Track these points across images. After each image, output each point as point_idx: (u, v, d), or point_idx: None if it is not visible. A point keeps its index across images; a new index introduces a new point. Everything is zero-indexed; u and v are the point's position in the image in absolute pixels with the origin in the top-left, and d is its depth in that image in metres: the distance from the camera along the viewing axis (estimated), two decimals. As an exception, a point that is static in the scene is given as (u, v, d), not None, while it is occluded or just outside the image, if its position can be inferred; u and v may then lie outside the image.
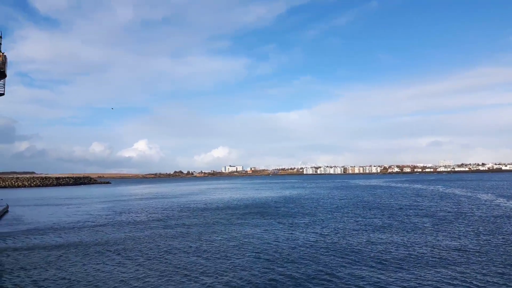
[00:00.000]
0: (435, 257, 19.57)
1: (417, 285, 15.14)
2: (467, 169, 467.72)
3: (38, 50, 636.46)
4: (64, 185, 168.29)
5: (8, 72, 44.23)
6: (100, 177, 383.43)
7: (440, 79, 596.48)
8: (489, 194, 64.44)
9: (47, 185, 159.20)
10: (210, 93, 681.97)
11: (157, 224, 34.26)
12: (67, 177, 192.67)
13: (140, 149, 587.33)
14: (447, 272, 16.83)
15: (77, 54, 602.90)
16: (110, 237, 27.79)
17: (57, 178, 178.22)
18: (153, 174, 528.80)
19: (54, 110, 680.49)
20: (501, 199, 53.97)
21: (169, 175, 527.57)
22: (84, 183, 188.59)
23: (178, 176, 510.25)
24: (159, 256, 21.10)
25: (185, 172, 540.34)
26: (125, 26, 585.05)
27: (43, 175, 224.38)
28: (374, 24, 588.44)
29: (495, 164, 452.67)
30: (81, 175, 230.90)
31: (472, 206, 44.65)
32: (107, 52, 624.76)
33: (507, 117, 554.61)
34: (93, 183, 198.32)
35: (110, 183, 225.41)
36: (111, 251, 22.67)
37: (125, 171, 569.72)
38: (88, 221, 37.22)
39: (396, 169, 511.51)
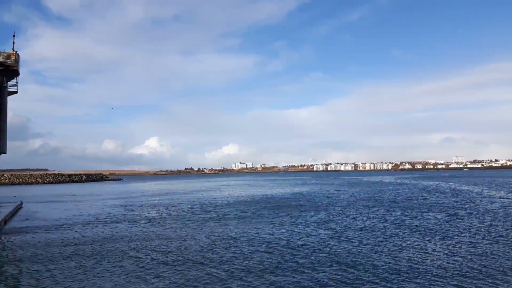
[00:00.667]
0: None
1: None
2: (479, 165, 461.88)
3: (51, 49, 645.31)
4: (76, 182, 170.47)
5: (21, 70, 44.85)
6: (112, 174, 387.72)
7: (453, 75, 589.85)
8: (500, 191, 63.60)
9: (59, 182, 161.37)
10: (220, 91, 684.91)
11: (170, 220, 34.54)
12: (80, 174, 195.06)
13: (152, 146, 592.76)
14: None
15: (89, 52, 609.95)
16: (124, 232, 28.10)
17: (70, 175, 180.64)
18: (164, 171, 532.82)
19: (67, 108, 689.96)
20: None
21: (179, 172, 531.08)
22: (96, 180, 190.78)
23: (188, 173, 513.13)
24: (173, 252, 21.27)
25: (195, 169, 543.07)
26: (136, 24, 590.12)
27: (56, 172, 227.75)
28: (385, 20, 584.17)
29: (509, 161, 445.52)
30: (93, 172, 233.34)
31: (481, 201, 44.15)
32: (119, 50, 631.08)
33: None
34: (105, 180, 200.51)
35: (122, 179, 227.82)
36: (126, 246, 22.93)
37: (136, 168, 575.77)
38: (102, 217, 37.69)
39: (408, 166, 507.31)
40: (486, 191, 65.39)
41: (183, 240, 24.69)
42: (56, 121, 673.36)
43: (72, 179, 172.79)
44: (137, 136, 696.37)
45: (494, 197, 52.15)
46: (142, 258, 19.89)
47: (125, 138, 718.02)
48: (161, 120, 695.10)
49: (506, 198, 50.24)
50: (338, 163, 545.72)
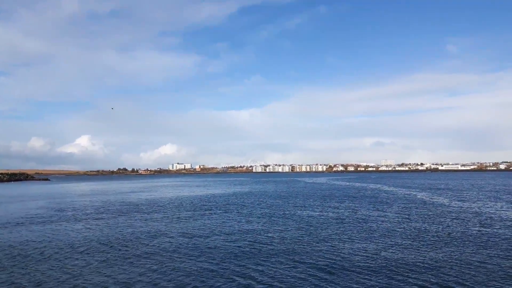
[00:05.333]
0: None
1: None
2: (407, 168, 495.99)
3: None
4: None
5: None
6: (38, 173, 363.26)
7: (384, 84, 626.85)
8: (408, 189, 70.63)
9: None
10: (159, 90, 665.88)
11: (96, 223, 34.64)
12: (1, 173, 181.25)
13: (83, 145, 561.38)
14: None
15: (17, 44, 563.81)
16: (46, 236, 27.97)
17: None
18: (95, 171, 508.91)
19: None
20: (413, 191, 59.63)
21: (112, 172, 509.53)
22: (20, 180, 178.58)
23: (122, 174, 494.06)
24: (93, 253, 21.97)
25: (129, 169, 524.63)
26: (70, 18, 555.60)
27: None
28: (322, 28, 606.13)
29: (433, 164, 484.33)
30: (17, 171, 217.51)
31: (388, 196, 49.33)
32: (50, 44, 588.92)
33: (445, 120, 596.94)
34: (30, 180, 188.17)
35: (49, 180, 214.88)
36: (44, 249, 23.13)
37: (65, 167, 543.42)
38: (24, 220, 36.65)
39: (341, 168, 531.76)
40: (402, 190, 72.09)
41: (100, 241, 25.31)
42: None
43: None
44: (68, 134, 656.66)
45: (400, 195, 58.05)
46: (63, 260, 20.40)
47: (54, 136, 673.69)
48: (94, 118, 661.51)
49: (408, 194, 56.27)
50: (276, 165, 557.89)
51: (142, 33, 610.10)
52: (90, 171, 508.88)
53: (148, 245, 24.10)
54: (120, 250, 22.85)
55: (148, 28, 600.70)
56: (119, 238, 26.43)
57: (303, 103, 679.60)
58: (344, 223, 32.45)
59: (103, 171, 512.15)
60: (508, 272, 17.55)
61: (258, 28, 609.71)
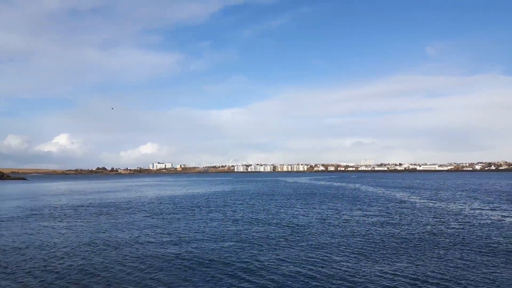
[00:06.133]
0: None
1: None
2: (386, 168, 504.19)
3: None
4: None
5: None
6: (14, 172, 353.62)
7: (365, 84, 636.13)
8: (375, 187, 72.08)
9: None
10: (140, 88, 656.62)
11: (75, 223, 34.14)
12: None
13: (61, 144, 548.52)
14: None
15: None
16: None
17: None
18: (73, 170, 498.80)
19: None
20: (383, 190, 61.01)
21: (91, 171, 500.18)
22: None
23: (101, 173, 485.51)
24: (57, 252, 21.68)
25: (109, 168, 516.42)
26: (51, 14, 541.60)
27: None
28: (305, 28, 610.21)
29: (411, 165, 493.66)
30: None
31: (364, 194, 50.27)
32: (29, 40, 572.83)
33: (423, 121, 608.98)
34: (5, 179, 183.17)
35: (26, 179, 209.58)
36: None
37: (43, 166, 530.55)
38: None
39: (322, 168, 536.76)
40: (377, 189, 73.44)
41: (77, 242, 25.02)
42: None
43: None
44: (46, 132, 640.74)
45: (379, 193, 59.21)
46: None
47: (31, 133, 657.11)
48: (73, 116, 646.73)
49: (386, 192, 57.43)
50: (258, 164, 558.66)
51: (124, 31, 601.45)
52: (69, 170, 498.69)
53: (129, 245, 23.94)
54: (103, 250, 22.64)
55: (130, 25, 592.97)
56: (101, 238, 26.16)
57: (285, 103, 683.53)
58: (325, 222, 32.93)
59: (81, 170, 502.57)
60: (483, 267, 18.19)
61: (241, 28, 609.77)
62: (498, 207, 43.97)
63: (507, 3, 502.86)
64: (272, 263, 19.19)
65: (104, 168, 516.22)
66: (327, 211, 40.49)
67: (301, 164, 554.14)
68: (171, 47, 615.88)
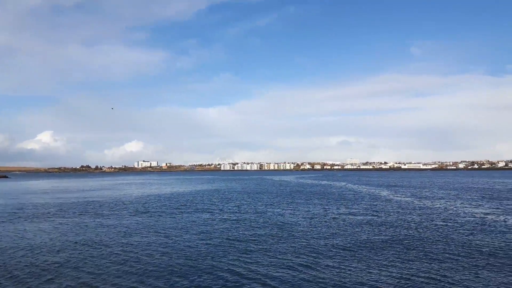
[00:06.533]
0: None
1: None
2: (371, 167, 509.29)
3: None
4: None
5: None
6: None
7: (351, 84, 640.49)
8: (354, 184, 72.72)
9: None
10: (126, 85, 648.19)
11: (60, 221, 33.45)
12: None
13: (44, 141, 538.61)
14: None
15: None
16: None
17: None
18: (57, 169, 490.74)
19: None
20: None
21: (75, 169, 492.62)
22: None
23: (85, 171, 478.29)
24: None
25: (93, 166, 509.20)
26: (33, 10, 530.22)
27: None
28: (292, 27, 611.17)
29: (396, 163, 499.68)
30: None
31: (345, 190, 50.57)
32: (12, 37, 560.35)
33: (408, 120, 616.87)
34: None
35: (8, 177, 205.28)
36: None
37: (25, 164, 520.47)
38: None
39: (308, 166, 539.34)
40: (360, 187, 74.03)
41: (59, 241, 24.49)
42: None
43: None
44: (29, 130, 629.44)
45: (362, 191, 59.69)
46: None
47: (13, 131, 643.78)
48: (57, 114, 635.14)
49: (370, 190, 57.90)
50: (244, 163, 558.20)
51: (109, 27, 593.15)
52: (52, 168, 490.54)
53: (114, 244, 23.50)
54: (87, 249, 22.19)
55: (115, 22, 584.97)
56: (85, 238, 25.67)
57: (272, 101, 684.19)
58: (312, 221, 32.94)
59: (65, 168, 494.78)
60: (466, 264, 18.36)
61: (228, 26, 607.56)
62: (481, 205, 44.74)
63: (491, 4, 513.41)
64: (258, 262, 19.06)
65: (88, 166, 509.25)
66: (314, 209, 40.57)
67: (288, 163, 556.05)
68: (157, 45, 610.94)
